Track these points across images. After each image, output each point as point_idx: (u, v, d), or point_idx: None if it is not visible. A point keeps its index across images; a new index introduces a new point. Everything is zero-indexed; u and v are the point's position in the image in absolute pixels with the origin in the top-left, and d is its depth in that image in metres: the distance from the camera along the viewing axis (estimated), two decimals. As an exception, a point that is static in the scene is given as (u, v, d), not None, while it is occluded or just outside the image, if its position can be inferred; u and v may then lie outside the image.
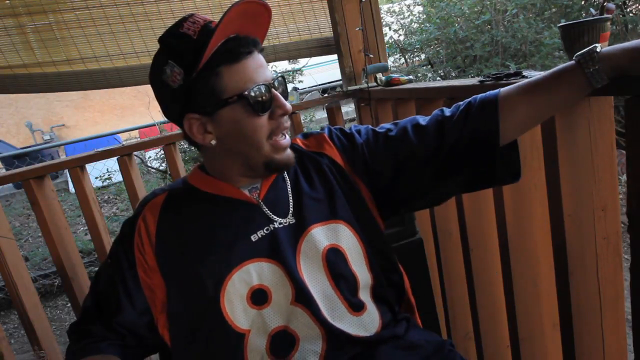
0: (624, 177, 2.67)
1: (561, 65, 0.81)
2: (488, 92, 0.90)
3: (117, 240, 0.95)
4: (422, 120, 0.96)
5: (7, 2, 1.60)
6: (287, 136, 0.90)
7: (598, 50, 0.76)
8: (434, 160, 0.92)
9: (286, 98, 0.89)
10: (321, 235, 0.90)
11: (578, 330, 1.02)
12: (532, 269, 1.16)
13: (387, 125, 1.00)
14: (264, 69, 0.85)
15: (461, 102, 0.93)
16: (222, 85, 0.82)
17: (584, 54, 0.77)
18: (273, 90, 0.85)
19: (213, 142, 0.87)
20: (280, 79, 0.89)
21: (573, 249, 0.99)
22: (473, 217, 1.33)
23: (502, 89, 0.89)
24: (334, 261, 0.89)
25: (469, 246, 1.35)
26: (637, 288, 0.85)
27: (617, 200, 0.98)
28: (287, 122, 0.89)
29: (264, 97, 0.83)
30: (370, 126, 1.02)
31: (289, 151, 0.90)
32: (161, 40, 0.86)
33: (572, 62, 0.79)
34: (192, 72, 0.82)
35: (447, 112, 0.94)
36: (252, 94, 0.82)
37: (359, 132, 1.00)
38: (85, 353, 0.87)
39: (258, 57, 0.85)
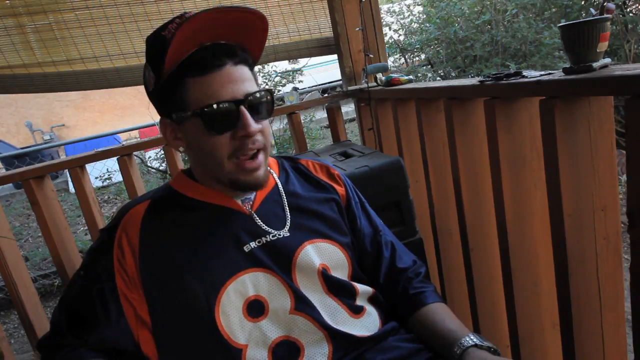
0: (624, 177, 2.67)
1: (450, 335, 0.86)
2: (428, 292, 0.96)
3: (94, 250, 0.88)
4: (387, 237, 1.02)
5: (7, 2, 1.60)
6: (259, 156, 0.83)
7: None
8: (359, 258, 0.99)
9: (265, 115, 0.83)
10: (315, 253, 0.89)
11: (578, 330, 1.02)
12: (532, 269, 1.16)
13: (372, 211, 1.05)
14: (234, 84, 0.79)
15: (412, 271, 0.99)
16: (187, 96, 0.79)
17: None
18: (241, 108, 0.79)
19: (181, 149, 0.86)
20: (261, 94, 0.82)
21: (573, 249, 0.99)
22: (473, 217, 1.33)
23: (433, 306, 0.94)
24: (329, 275, 0.89)
25: (469, 246, 1.35)
26: (637, 288, 0.85)
27: (617, 200, 0.98)
28: (254, 143, 0.81)
29: (224, 116, 0.78)
30: (362, 198, 1.06)
31: (259, 172, 0.84)
32: (146, 39, 0.84)
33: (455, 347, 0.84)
34: (160, 79, 0.81)
35: (400, 263, 0.99)
36: (211, 111, 0.77)
37: (358, 195, 1.05)
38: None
39: (230, 71, 0.79)
